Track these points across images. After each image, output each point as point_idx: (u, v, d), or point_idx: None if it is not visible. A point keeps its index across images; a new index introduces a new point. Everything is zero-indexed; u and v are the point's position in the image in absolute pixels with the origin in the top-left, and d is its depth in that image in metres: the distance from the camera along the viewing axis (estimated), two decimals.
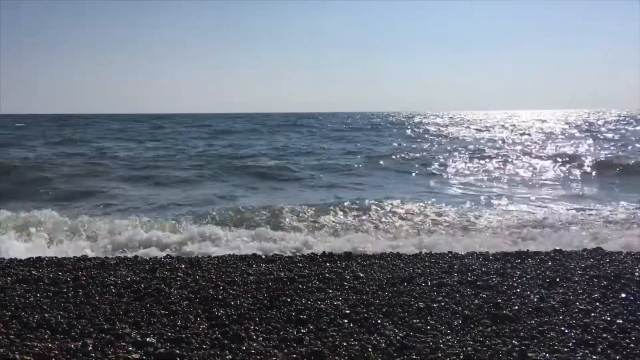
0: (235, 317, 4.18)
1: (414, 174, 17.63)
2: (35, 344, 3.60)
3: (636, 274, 5.33)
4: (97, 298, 4.67)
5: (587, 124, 52.09)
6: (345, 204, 10.85)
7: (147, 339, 3.67)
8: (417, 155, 22.56)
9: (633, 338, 3.69)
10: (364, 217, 9.97)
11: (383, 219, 9.81)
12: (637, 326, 3.90)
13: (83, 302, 4.55)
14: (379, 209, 10.52)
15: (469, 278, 5.26)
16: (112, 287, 4.99)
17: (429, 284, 5.08)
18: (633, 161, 18.94)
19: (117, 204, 11.69)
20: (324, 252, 6.71)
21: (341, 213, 10.20)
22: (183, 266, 5.86)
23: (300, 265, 5.95)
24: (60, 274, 5.47)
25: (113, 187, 14.33)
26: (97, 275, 5.41)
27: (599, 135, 34.32)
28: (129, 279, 5.27)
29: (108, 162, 20.05)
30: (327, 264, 5.97)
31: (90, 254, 6.89)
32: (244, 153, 24.07)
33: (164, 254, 7.09)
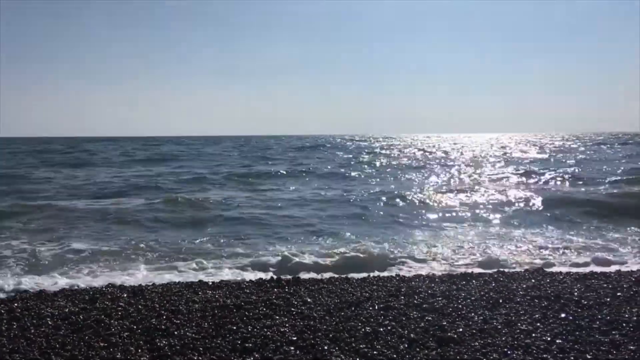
0: (178, 347, 4.07)
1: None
2: None
3: (575, 293, 5.50)
4: (33, 331, 4.47)
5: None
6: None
7: None
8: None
9: (572, 358, 3.79)
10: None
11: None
12: (575, 346, 4.01)
13: (17, 336, 4.34)
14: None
15: (415, 301, 5.30)
16: (48, 318, 4.78)
17: (376, 307, 5.09)
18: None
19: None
20: (272, 277, 6.65)
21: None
22: (125, 295, 5.67)
23: (248, 291, 5.86)
24: None
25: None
26: (34, 307, 5.18)
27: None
28: (66, 310, 5.07)
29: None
30: (275, 290, 5.90)
31: (27, 285, 6.56)
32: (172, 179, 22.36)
33: (105, 283, 6.80)
